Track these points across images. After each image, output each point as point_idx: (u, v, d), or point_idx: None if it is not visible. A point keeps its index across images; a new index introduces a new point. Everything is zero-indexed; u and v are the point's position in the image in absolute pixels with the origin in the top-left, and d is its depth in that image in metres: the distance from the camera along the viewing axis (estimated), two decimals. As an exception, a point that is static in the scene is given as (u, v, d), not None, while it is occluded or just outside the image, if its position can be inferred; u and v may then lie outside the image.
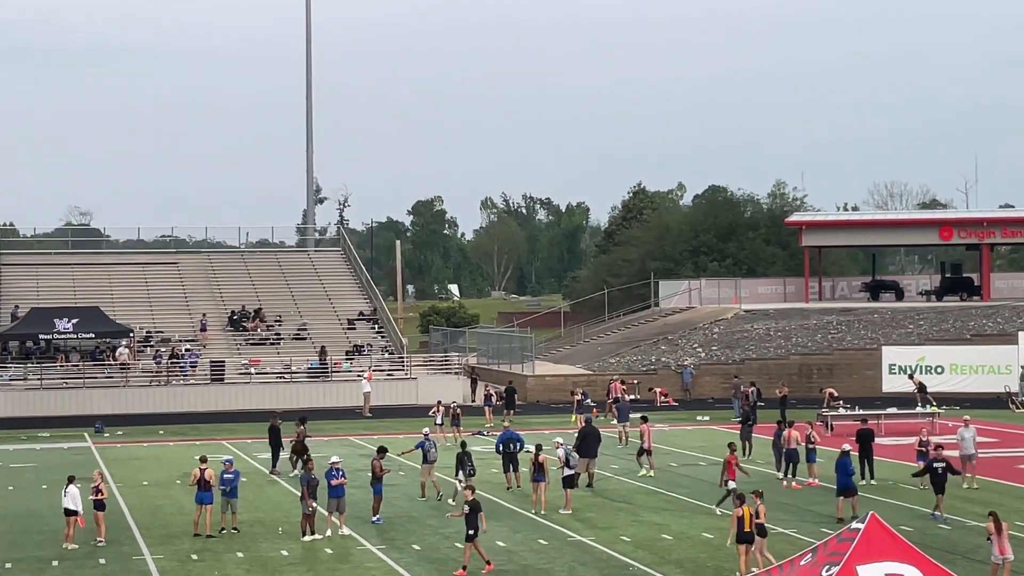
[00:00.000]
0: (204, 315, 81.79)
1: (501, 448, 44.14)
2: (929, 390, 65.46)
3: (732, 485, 37.48)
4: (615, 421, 57.66)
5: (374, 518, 38.07)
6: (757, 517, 29.67)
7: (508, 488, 43.40)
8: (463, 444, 42.82)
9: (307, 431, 48.04)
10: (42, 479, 47.01)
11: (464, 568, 31.21)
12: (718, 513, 37.00)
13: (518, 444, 44.10)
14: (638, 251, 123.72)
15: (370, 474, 39.41)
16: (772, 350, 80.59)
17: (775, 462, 45.93)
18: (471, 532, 31.24)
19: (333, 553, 33.96)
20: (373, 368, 75.79)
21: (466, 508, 31.64)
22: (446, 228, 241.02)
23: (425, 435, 43.16)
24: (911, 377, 67.82)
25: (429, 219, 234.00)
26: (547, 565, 32.29)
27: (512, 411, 64.52)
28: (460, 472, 40.41)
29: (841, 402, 61.45)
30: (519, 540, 35.44)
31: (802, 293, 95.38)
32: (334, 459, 37.51)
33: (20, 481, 47.54)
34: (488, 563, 31.31)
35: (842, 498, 37.70)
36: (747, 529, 29.50)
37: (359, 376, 73.94)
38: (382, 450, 40.29)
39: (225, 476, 36.86)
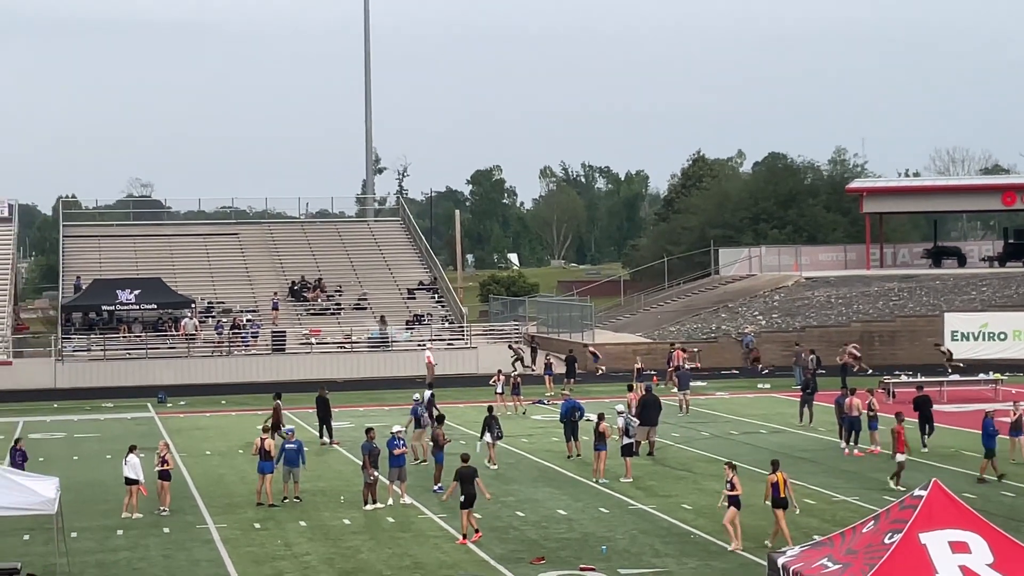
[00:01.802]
0: (276, 293, 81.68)
1: (564, 418, 44.34)
2: (986, 356, 65.18)
3: (901, 458, 37.34)
4: (675, 389, 57.57)
5: (436, 487, 38.21)
6: (733, 489, 30.36)
7: (569, 457, 43.51)
8: (490, 408, 43.59)
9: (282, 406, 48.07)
10: (106, 449, 47.41)
11: (464, 537, 31.70)
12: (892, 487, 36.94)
13: (579, 413, 44.23)
14: (698, 219, 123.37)
15: (431, 443, 39.61)
16: (833, 317, 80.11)
17: (837, 430, 45.71)
18: (463, 499, 31.79)
19: (395, 522, 34.11)
20: (433, 339, 76.11)
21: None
22: (505, 197, 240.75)
23: (416, 401, 44.54)
24: (937, 346, 67.53)
25: (488, 188, 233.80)
26: (608, 533, 32.31)
27: (573, 380, 64.56)
28: (488, 435, 41.69)
29: (860, 362, 61.49)
30: (580, 508, 35.49)
31: (863, 260, 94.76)
32: (396, 428, 37.61)
33: (84, 451, 48.00)
34: (477, 532, 31.88)
35: (987, 460, 38.54)
36: (781, 496, 30.29)
37: (420, 346, 74.17)
38: (441, 419, 40.45)
39: (287, 446, 37.08)
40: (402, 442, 36.85)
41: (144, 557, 30.31)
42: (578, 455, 43.29)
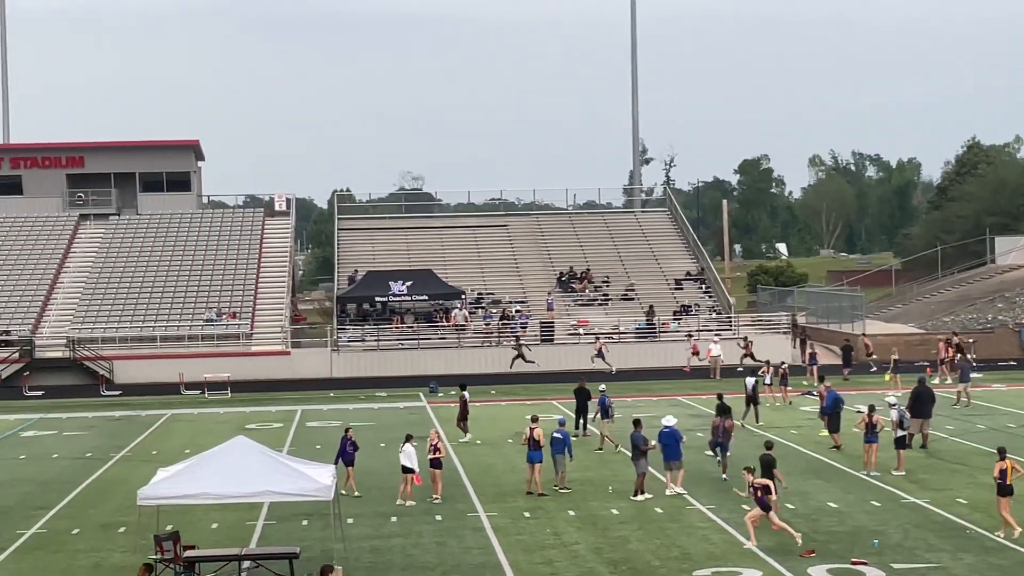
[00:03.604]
0: (550, 293, 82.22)
1: (829, 409, 43.91)
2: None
3: None
4: (948, 380, 56.33)
5: (724, 476, 38.36)
6: (767, 493, 30.24)
7: (833, 448, 43.01)
8: (603, 390, 45.59)
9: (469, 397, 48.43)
10: (380, 437, 48.43)
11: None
12: None
13: (841, 404, 43.90)
14: (972, 207, 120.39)
15: (710, 434, 39.57)
16: (1116, 307, 77.39)
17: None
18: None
19: (663, 512, 34.10)
20: (701, 328, 75.90)
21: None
22: (773, 187, 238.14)
23: (603, 392, 45.66)
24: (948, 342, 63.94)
25: (756, 178, 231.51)
26: (880, 527, 31.79)
27: (848, 370, 63.88)
28: (604, 417, 44.46)
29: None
30: (851, 501, 34.99)
31: None
32: (668, 420, 37.57)
33: (359, 439, 48.93)
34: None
35: None
36: (1008, 482, 30.19)
37: (688, 337, 74.01)
38: (723, 409, 40.31)
39: (555, 436, 37.38)
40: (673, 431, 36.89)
41: (417, 544, 30.92)
42: (839, 447, 42.80)
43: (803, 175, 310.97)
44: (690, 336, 74.48)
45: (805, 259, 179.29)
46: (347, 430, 38.80)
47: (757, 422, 49.16)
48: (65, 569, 29.19)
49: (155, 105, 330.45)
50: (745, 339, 73.07)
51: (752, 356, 70.66)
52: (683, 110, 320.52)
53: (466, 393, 48.17)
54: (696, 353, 72.33)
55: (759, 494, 30.31)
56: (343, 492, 36.23)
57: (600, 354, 72.24)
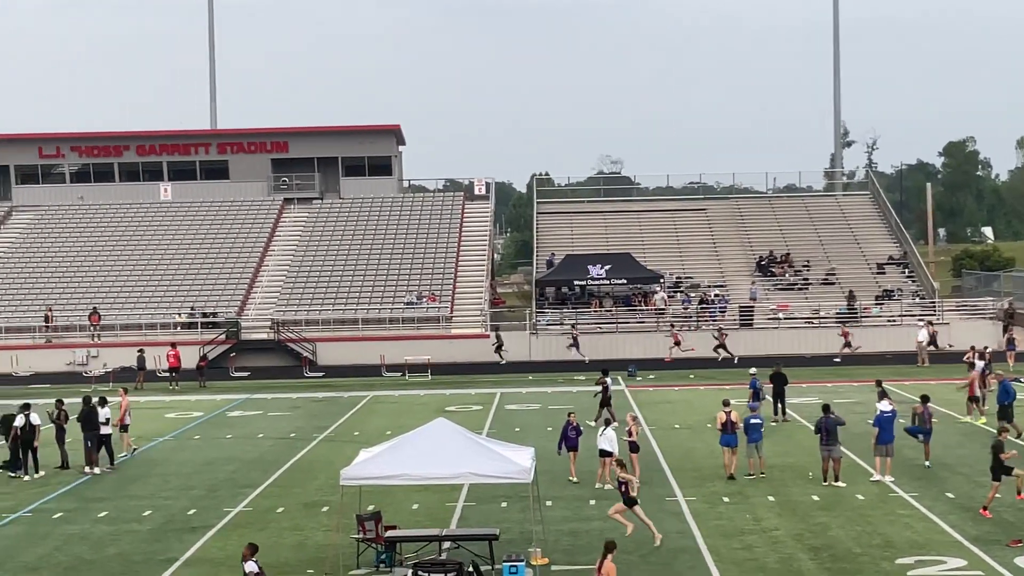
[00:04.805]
0: (754, 283, 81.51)
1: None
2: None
3: None
4: None
5: (927, 463, 37.87)
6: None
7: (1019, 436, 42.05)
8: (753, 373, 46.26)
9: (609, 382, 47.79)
10: (578, 420, 48.43)
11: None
12: None
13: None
14: None
15: (915, 419, 38.97)
16: None
17: None
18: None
19: (864, 500, 33.66)
20: (903, 314, 74.64)
21: None
22: (979, 169, 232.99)
23: (753, 375, 46.36)
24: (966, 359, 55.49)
25: (961, 160, 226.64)
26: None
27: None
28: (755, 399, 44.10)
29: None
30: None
31: None
32: (884, 405, 37.03)
33: (558, 422, 49.09)
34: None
35: None
36: None
37: (890, 322, 72.91)
38: (925, 398, 39.65)
39: (753, 421, 37.13)
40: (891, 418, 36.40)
41: (616, 527, 30.89)
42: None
43: (1011, 157, 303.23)
44: (672, 326, 74.34)
45: (1012, 243, 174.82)
46: (570, 415, 38.92)
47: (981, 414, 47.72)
48: (270, 547, 29.82)
49: (356, 90, 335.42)
50: (719, 329, 72.54)
51: (724, 347, 69.77)
52: (886, 92, 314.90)
53: (608, 379, 47.92)
54: (678, 343, 71.57)
55: (624, 488, 30.00)
56: (571, 479, 36.55)
57: (575, 343, 72.56)
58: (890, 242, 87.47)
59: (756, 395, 45.02)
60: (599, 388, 47.31)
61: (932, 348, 67.53)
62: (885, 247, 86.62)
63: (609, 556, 22.70)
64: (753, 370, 47.22)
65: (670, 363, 70.14)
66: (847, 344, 70.70)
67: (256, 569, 23.53)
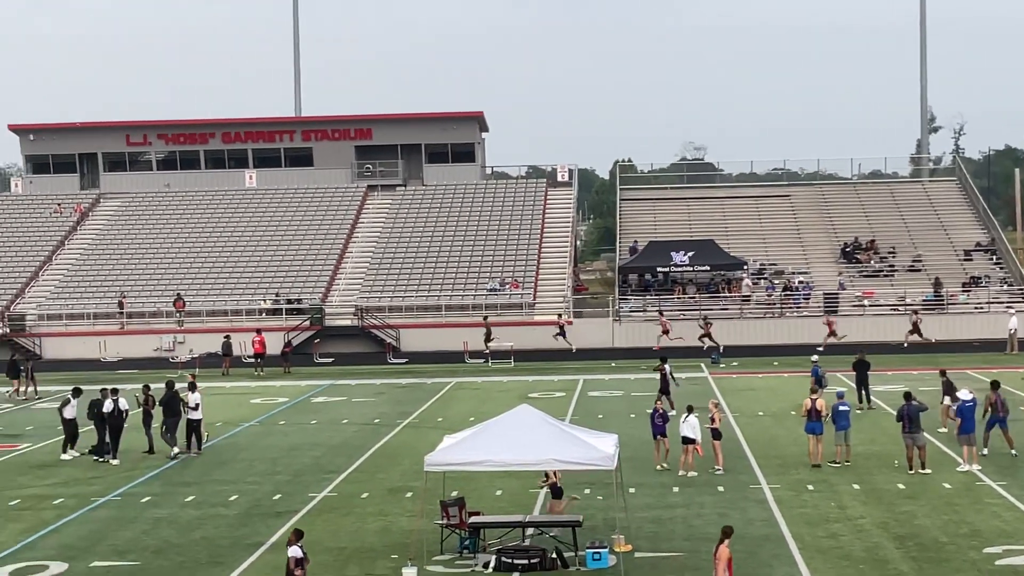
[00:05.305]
0: (840, 274, 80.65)
1: None
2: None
3: None
4: None
5: (1012, 451, 37.52)
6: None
7: None
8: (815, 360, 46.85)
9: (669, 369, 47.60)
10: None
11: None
12: None
13: None
14: None
15: (988, 408, 38.56)
16: None
17: None
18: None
19: (951, 488, 33.36)
20: (991, 301, 73.87)
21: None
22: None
23: (815, 362, 46.77)
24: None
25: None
26: None
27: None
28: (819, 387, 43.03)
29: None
30: None
31: None
32: (964, 393, 36.70)
33: (641, 408, 49.04)
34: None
35: None
36: None
37: (978, 309, 72.11)
38: (995, 384, 39.25)
39: (841, 408, 36.91)
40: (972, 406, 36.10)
41: (699, 514, 30.84)
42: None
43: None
44: (660, 313, 73.84)
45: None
46: (656, 401, 38.98)
47: None
48: (355, 532, 29.98)
49: (440, 77, 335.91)
50: (704, 318, 71.93)
51: (710, 336, 68.96)
52: (973, 76, 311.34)
53: (666, 366, 47.70)
54: (667, 331, 70.82)
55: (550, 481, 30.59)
56: (664, 465, 36.55)
57: (562, 332, 72.30)
58: (977, 228, 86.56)
59: (819, 382, 44.69)
60: (656, 375, 47.45)
61: (708, 340, 67.44)
62: (972, 233, 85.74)
63: (726, 541, 22.63)
64: (815, 357, 47.02)
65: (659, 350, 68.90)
66: (832, 333, 69.85)
67: (300, 554, 23.63)
